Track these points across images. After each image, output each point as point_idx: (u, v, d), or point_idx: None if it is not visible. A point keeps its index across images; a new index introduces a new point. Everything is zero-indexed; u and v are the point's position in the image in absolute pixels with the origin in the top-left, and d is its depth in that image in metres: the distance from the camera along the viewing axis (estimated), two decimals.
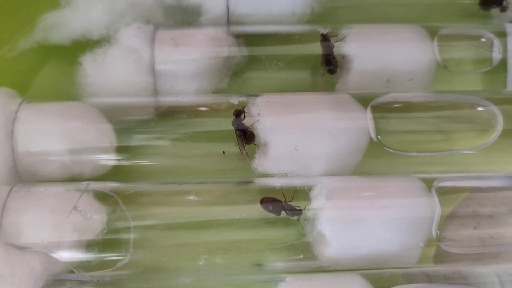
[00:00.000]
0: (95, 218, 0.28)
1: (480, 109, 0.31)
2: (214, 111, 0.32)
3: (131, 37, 0.32)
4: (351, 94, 0.32)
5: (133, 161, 0.31)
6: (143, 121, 0.31)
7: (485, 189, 0.30)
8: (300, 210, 0.28)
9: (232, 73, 0.34)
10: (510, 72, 0.34)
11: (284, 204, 0.28)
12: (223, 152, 0.31)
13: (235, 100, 0.31)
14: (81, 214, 0.28)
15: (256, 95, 0.31)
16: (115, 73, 0.32)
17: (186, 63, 0.32)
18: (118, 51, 0.32)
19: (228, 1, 0.33)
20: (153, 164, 0.31)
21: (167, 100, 0.32)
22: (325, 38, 0.33)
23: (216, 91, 0.33)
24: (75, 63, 0.33)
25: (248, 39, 0.34)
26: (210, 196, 0.30)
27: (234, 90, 0.33)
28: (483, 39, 0.34)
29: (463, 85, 0.34)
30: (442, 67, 0.33)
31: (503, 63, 0.34)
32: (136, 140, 0.31)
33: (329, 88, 0.33)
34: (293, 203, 0.28)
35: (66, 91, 0.33)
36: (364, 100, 0.31)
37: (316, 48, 0.33)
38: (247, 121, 0.30)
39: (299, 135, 0.30)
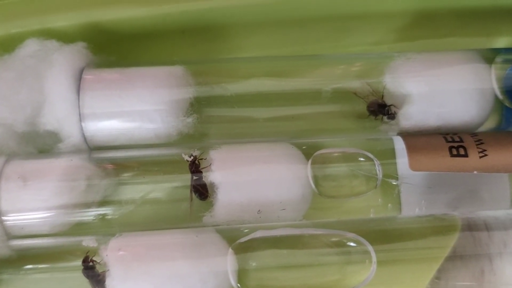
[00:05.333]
0: None
1: (352, 244, 0.28)
2: (67, 255, 0.29)
3: None
4: (217, 230, 0.29)
5: None
6: None
7: None
8: None
9: (96, 204, 0.31)
10: (403, 193, 0.31)
11: None
12: None
13: (89, 242, 0.29)
14: None
15: (111, 236, 0.29)
16: None
17: (35, 202, 0.29)
18: None
19: (83, 130, 0.30)
20: None
21: (17, 244, 0.30)
22: (192, 164, 0.30)
23: (75, 228, 0.30)
24: None
25: (112, 167, 0.31)
26: None
27: (95, 225, 0.30)
28: (361, 159, 0.31)
29: (350, 211, 0.31)
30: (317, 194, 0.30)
31: (393, 184, 0.31)
32: None
33: (197, 220, 0.30)
34: None
35: None
36: (231, 237, 0.29)
37: (184, 175, 0.30)
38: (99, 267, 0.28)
39: None
